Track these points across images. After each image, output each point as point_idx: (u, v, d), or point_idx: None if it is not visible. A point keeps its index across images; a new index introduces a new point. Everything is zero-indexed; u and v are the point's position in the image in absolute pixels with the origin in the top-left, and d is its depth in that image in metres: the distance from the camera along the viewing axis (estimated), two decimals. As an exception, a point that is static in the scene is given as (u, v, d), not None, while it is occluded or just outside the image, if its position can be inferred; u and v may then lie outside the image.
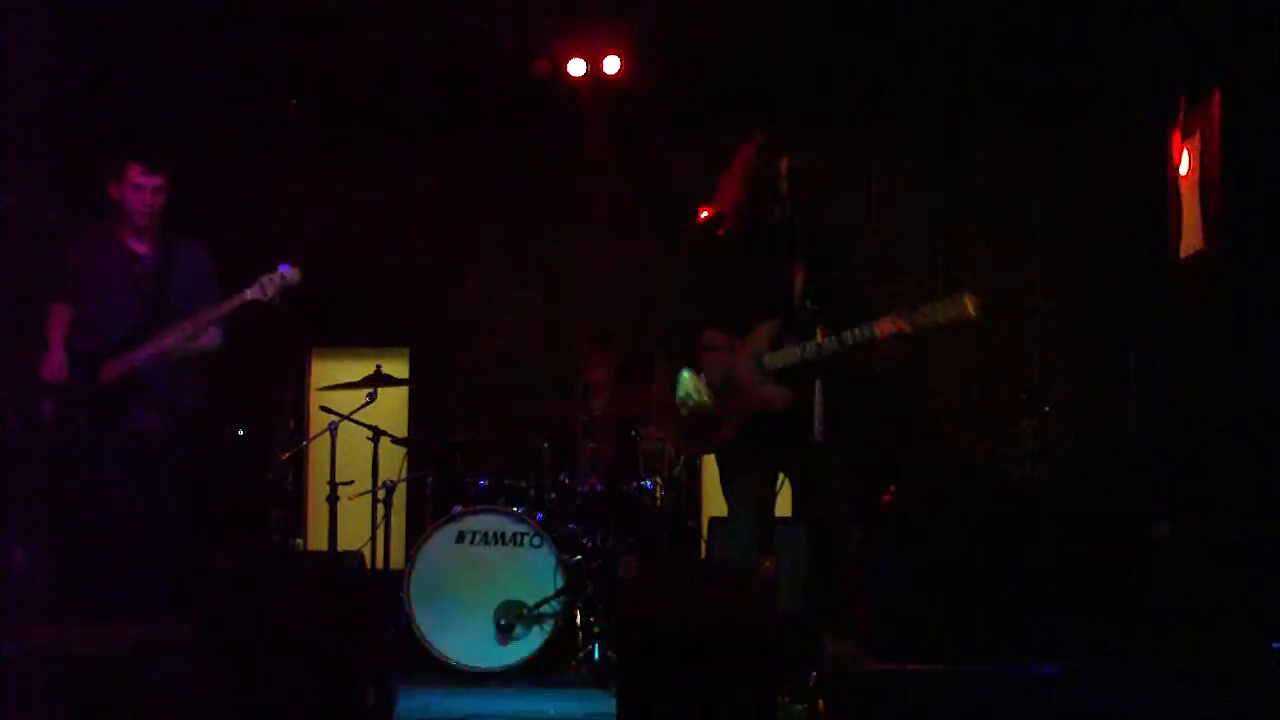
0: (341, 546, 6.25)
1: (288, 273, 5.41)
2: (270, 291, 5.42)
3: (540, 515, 6.26)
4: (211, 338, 5.53)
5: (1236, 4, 6.26)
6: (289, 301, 5.55)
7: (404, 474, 6.65)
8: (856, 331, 4.55)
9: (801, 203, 4.63)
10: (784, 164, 4.65)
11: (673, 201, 8.12)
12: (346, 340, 7.80)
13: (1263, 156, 6.21)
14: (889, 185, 8.03)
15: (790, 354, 4.64)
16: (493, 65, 7.65)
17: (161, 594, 5.21)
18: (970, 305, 4.45)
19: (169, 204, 5.60)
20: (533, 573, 6.11)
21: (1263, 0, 6.08)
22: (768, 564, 4.21)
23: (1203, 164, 6.77)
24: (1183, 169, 7.08)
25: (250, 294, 5.41)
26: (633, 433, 6.56)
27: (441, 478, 6.64)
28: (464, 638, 6.10)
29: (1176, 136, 7.15)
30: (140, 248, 5.54)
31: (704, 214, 5.15)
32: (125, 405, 5.44)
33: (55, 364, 5.40)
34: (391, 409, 6.91)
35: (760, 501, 4.77)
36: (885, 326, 4.53)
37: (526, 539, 6.16)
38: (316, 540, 7.65)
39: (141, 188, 5.45)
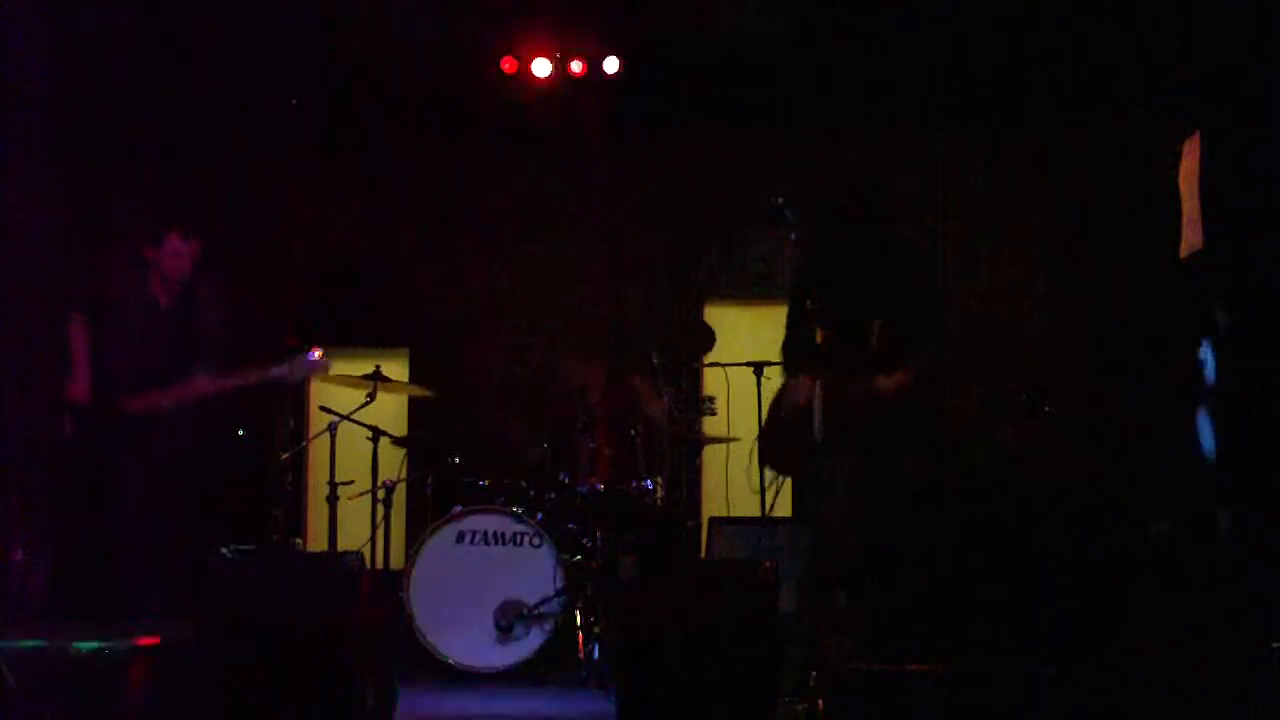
0: (341, 546, 6.24)
1: (317, 360, 5.72)
2: (297, 374, 5.78)
3: (540, 515, 6.26)
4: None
5: (1236, 4, 6.26)
6: (288, 301, 5.62)
7: (404, 474, 6.65)
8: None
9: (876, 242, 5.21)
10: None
11: (671, 201, 8.16)
12: (346, 340, 7.79)
13: (1262, 156, 6.20)
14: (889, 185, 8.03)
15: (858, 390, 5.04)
16: (493, 66, 7.66)
17: (163, 594, 5.23)
18: None
19: (172, 208, 5.76)
20: (533, 573, 6.10)
21: (1263, 0, 6.08)
22: (767, 564, 4.22)
23: (1203, 164, 6.76)
24: (1183, 169, 7.07)
25: (276, 372, 5.70)
26: (632, 432, 6.56)
27: (441, 478, 6.64)
28: (464, 638, 6.10)
29: (1177, 136, 7.14)
30: (164, 299, 5.73)
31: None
32: (142, 432, 5.60)
33: (81, 385, 5.57)
34: (391, 409, 6.91)
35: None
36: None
37: (526, 539, 6.16)
38: (316, 540, 7.65)
39: (180, 254, 5.67)
